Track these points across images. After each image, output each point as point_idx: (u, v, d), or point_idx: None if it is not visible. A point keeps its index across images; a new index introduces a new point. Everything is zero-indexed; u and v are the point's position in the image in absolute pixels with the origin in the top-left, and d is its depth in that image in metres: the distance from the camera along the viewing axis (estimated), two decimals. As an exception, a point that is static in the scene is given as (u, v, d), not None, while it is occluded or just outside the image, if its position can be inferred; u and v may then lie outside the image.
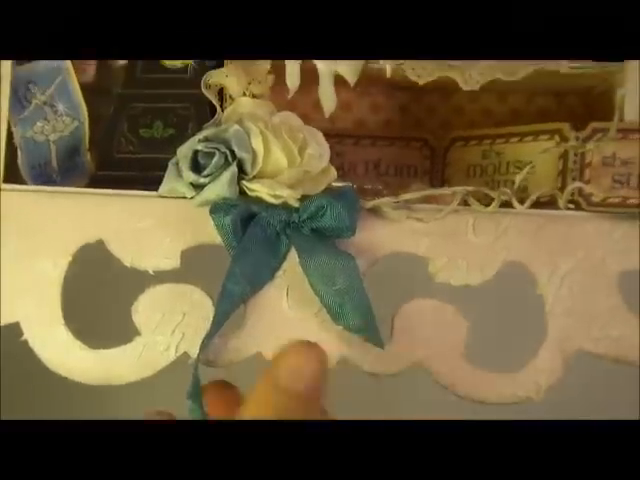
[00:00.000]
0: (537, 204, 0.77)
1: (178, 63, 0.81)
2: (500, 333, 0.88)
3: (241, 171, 0.74)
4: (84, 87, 0.83)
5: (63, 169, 0.81)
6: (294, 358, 0.70)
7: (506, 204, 0.74)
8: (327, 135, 0.82)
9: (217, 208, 0.73)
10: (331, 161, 0.86)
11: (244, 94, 0.79)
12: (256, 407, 0.67)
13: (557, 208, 0.74)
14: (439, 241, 0.75)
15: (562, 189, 0.77)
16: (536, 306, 0.74)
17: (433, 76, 0.76)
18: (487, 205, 0.74)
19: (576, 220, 0.74)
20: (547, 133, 0.80)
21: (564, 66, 0.77)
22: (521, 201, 0.77)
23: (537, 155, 0.80)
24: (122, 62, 0.83)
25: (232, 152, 0.73)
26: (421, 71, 0.76)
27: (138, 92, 0.82)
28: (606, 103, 0.80)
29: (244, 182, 0.73)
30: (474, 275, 0.75)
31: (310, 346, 0.71)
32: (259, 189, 0.72)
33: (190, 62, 0.81)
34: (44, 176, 0.80)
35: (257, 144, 0.73)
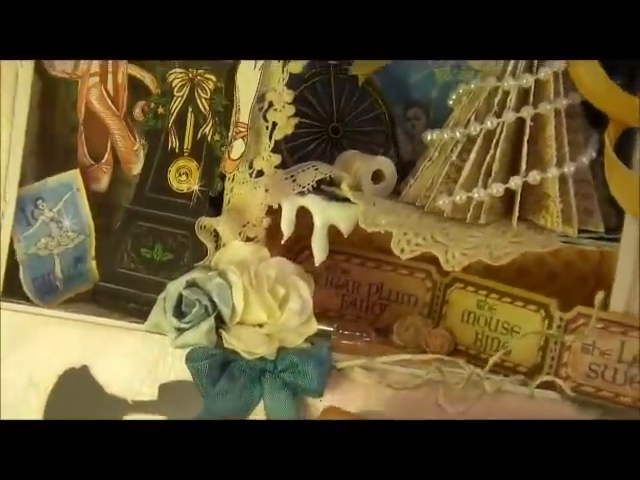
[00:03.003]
0: (514, 371, 0.77)
1: (184, 188, 0.83)
2: None
3: (221, 320, 0.75)
4: (96, 195, 0.85)
5: (67, 277, 0.85)
6: None
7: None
8: (336, 252, 0.86)
9: (194, 356, 0.76)
10: (337, 278, 0.88)
11: (239, 235, 0.79)
12: None
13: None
14: (408, 407, 0.76)
15: (540, 365, 0.77)
16: None
17: (415, 254, 0.75)
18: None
19: (545, 402, 0.74)
20: (535, 304, 0.80)
21: (556, 245, 0.75)
22: (502, 365, 0.77)
23: (523, 322, 0.79)
24: (135, 174, 0.85)
25: (213, 303, 0.75)
26: (404, 246, 0.75)
27: (145, 211, 0.85)
28: (597, 282, 0.79)
29: (223, 332, 0.75)
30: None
31: None
32: (235, 344, 0.75)
33: (195, 188, 0.82)
34: (47, 285, 0.84)
35: (238, 299, 0.75)
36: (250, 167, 0.81)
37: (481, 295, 0.84)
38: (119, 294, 0.84)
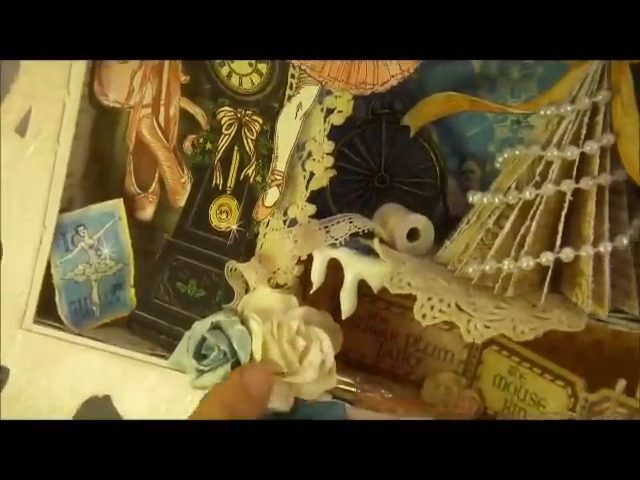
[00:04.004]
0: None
1: (223, 226, 0.83)
2: None
3: (237, 365, 0.76)
4: (141, 224, 0.86)
5: (104, 303, 0.86)
6: (258, 371, 0.74)
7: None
8: (378, 299, 0.87)
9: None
10: (376, 325, 0.87)
11: (269, 281, 0.79)
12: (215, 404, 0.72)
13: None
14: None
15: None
16: None
17: (436, 321, 0.74)
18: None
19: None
20: (563, 380, 0.78)
21: (582, 326, 0.73)
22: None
23: (550, 396, 0.78)
24: (180, 206, 0.86)
25: (233, 349, 0.75)
26: (426, 312, 0.74)
27: (184, 245, 0.86)
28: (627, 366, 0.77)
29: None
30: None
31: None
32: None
33: (233, 228, 0.83)
34: (83, 310, 0.85)
35: (257, 348, 0.76)
36: (285, 215, 0.79)
37: (514, 361, 0.83)
38: (152, 324, 0.85)
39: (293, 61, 0.78)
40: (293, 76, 0.79)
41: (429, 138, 0.86)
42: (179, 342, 0.81)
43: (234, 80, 0.82)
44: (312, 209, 0.79)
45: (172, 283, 0.84)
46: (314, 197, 0.81)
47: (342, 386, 0.80)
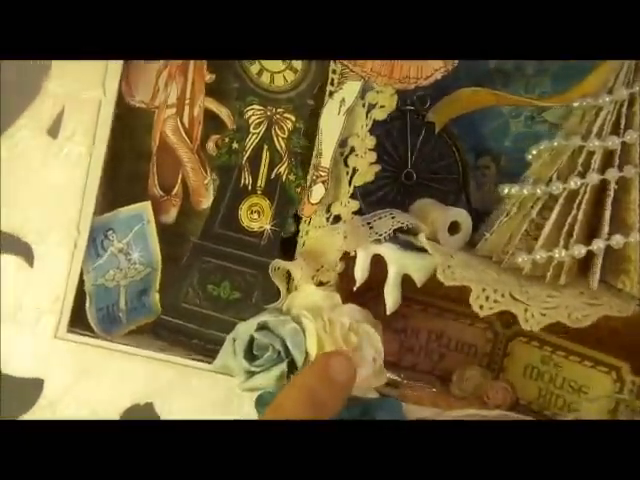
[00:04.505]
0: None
1: (255, 226, 0.82)
2: None
3: (293, 366, 0.74)
4: (164, 228, 0.84)
5: (130, 309, 0.84)
6: (344, 357, 0.72)
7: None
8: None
9: (264, 400, 0.75)
10: (396, 323, 0.87)
11: (312, 279, 0.79)
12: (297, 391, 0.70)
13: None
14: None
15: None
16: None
17: (493, 311, 0.75)
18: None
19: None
20: (606, 366, 0.80)
21: (632, 309, 0.75)
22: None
23: (592, 382, 0.79)
24: (204, 208, 0.84)
25: (286, 348, 0.74)
26: (483, 302, 0.75)
27: (213, 247, 0.84)
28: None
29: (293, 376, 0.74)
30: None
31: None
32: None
33: (267, 227, 0.81)
34: (111, 317, 0.83)
35: (311, 345, 0.75)
36: (328, 211, 0.79)
37: (546, 351, 0.84)
38: (181, 329, 0.84)
39: (335, 55, 0.76)
40: (334, 72, 0.79)
41: (451, 134, 0.86)
42: (215, 346, 0.80)
43: (265, 78, 0.82)
44: (355, 205, 0.79)
45: (202, 286, 0.83)
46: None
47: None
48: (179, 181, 0.85)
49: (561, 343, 0.83)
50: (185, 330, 0.83)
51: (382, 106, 0.78)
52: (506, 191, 0.81)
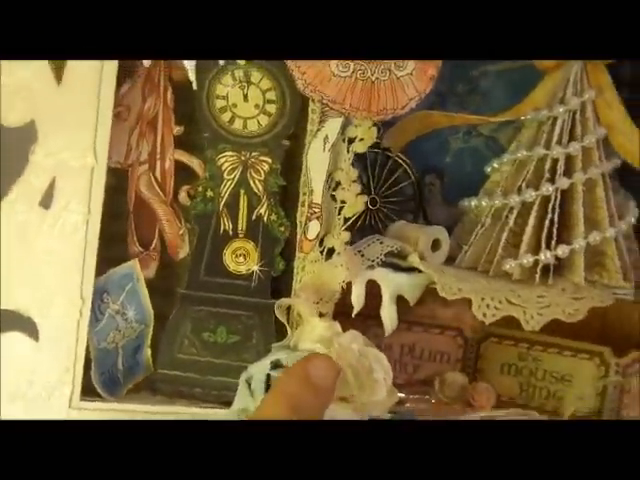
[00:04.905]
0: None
1: (243, 269, 0.84)
2: None
3: (313, 397, 0.76)
4: (148, 284, 0.85)
5: (126, 368, 0.84)
6: (324, 359, 0.73)
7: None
8: (368, 317, 0.87)
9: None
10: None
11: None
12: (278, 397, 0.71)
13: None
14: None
15: (599, 411, 0.83)
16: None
17: (497, 317, 0.80)
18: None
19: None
20: (587, 353, 0.86)
21: (612, 299, 0.81)
22: (555, 412, 0.83)
23: (575, 371, 0.85)
24: (181, 258, 0.85)
25: (306, 381, 0.76)
26: (486, 310, 0.80)
27: (202, 295, 0.85)
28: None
29: (315, 409, 0.76)
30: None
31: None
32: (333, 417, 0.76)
33: (255, 269, 0.83)
34: (112, 379, 0.82)
35: (331, 375, 0.76)
36: (321, 245, 0.82)
37: (522, 348, 0.90)
38: (180, 380, 0.84)
39: (313, 96, 0.80)
40: (314, 111, 0.81)
41: (405, 156, 0.91)
42: (219, 391, 0.82)
43: (237, 124, 0.84)
44: (347, 236, 0.82)
45: (197, 335, 0.84)
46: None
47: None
48: (156, 235, 0.85)
49: (537, 338, 0.88)
50: (185, 380, 0.84)
51: (361, 139, 0.81)
52: (473, 203, 0.86)
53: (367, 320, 0.87)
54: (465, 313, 0.90)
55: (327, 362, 0.69)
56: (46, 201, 0.77)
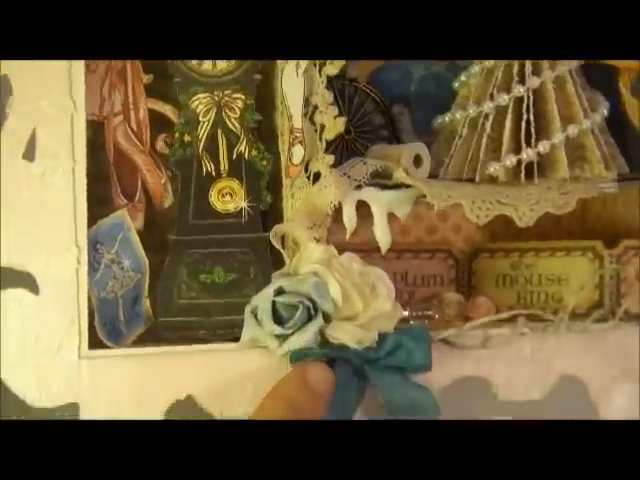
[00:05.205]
0: (573, 315, 0.84)
1: (231, 207, 0.84)
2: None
3: (323, 318, 0.77)
4: (138, 235, 0.84)
5: (127, 319, 0.83)
6: (320, 367, 0.75)
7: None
8: (353, 251, 0.85)
9: (298, 358, 0.76)
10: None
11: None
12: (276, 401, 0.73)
13: (597, 320, 0.84)
14: (501, 363, 0.80)
15: (599, 302, 0.84)
16: (591, 413, 0.81)
17: (490, 217, 0.80)
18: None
19: (620, 332, 0.82)
20: (580, 249, 0.87)
21: (597, 190, 0.83)
22: (555, 312, 0.83)
23: (570, 269, 0.86)
24: (166, 207, 0.85)
25: (313, 302, 0.76)
26: (478, 212, 0.80)
27: (194, 238, 0.85)
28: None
29: (325, 330, 0.76)
30: (534, 391, 0.81)
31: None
32: (344, 338, 0.76)
33: (243, 205, 0.83)
34: (115, 330, 0.82)
35: (336, 294, 0.77)
36: (306, 171, 0.82)
37: (514, 257, 0.90)
38: (184, 325, 0.84)
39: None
40: (282, 41, 0.82)
41: (373, 86, 0.92)
42: (224, 330, 0.82)
43: (206, 65, 0.84)
44: (331, 159, 0.82)
45: (194, 278, 0.84)
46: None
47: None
48: (139, 186, 0.85)
49: (527, 245, 0.89)
50: (189, 324, 0.83)
51: (331, 62, 0.82)
52: (447, 118, 0.87)
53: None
54: (451, 235, 0.91)
55: (324, 369, 0.73)
56: (29, 153, 0.76)
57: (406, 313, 0.86)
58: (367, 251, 0.90)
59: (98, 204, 0.83)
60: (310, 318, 0.77)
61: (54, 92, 0.77)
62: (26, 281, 0.77)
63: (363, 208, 0.84)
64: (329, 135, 0.82)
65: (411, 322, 0.86)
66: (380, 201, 0.82)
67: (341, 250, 0.81)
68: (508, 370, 0.81)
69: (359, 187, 0.82)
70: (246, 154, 0.84)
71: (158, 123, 0.85)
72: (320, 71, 0.82)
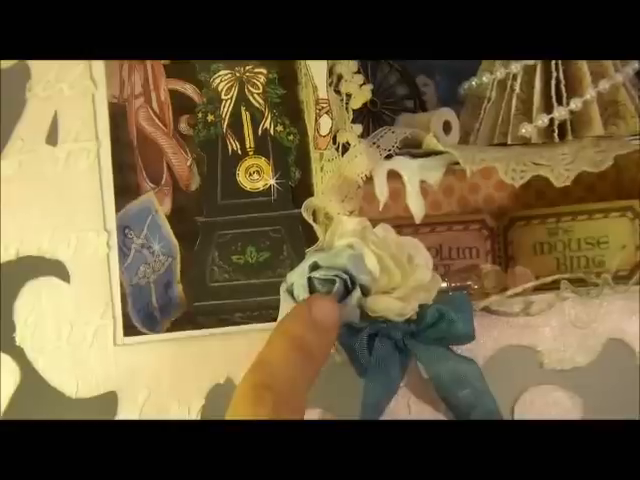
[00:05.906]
0: (615, 277, 0.81)
1: (260, 185, 0.82)
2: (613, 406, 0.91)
3: (361, 291, 0.75)
4: (167, 219, 0.82)
5: (161, 305, 0.81)
6: (326, 300, 0.72)
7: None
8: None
9: (346, 335, 0.74)
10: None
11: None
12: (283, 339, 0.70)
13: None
14: (545, 330, 0.78)
15: (640, 264, 0.82)
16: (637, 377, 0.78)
17: (526, 178, 0.78)
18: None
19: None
20: (617, 210, 0.84)
21: (634, 146, 0.80)
22: (598, 275, 0.81)
23: (609, 230, 0.84)
24: (193, 190, 0.83)
25: (350, 275, 0.74)
26: (513, 174, 0.78)
27: (224, 219, 0.83)
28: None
29: (364, 303, 0.74)
30: (580, 357, 0.79)
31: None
32: (382, 310, 0.74)
33: (272, 183, 0.81)
34: (149, 317, 0.80)
35: (373, 266, 0.75)
36: (335, 142, 0.80)
37: (550, 223, 0.88)
38: (219, 309, 0.82)
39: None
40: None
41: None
42: (260, 311, 0.79)
43: (226, 40, 0.81)
44: (359, 129, 0.80)
45: (226, 259, 0.82)
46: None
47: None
48: (165, 170, 0.83)
49: (563, 210, 0.86)
50: (223, 308, 0.81)
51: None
52: (474, 83, 0.85)
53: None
54: (484, 206, 0.91)
55: (328, 303, 0.70)
56: (51, 138, 0.74)
57: (444, 285, 0.82)
58: (399, 226, 0.87)
59: (124, 190, 0.80)
60: (348, 292, 0.74)
61: (73, 73, 0.73)
62: (56, 269, 0.74)
63: (393, 182, 0.80)
64: (356, 104, 0.80)
65: (450, 293, 0.83)
66: (411, 169, 0.80)
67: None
68: (553, 337, 0.77)
69: (389, 157, 0.79)
70: (271, 130, 0.82)
71: (180, 104, 0.83)
72: (343, 40, 0.79)
